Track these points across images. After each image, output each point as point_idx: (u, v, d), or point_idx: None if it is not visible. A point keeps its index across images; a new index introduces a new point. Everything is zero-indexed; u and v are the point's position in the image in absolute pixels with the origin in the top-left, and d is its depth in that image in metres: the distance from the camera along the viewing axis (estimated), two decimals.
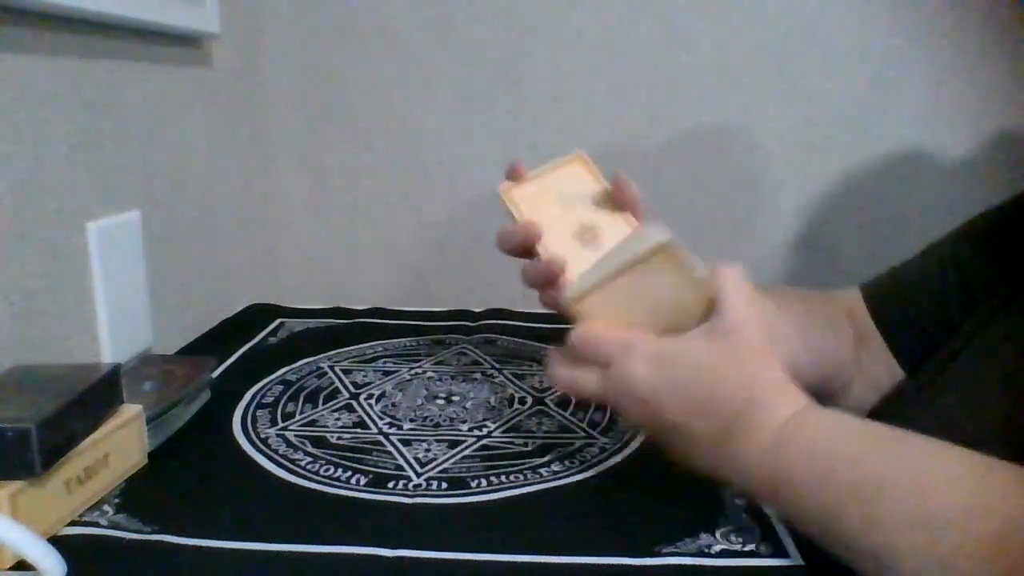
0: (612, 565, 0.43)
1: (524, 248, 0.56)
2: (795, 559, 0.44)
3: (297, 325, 0.88)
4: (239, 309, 0.93)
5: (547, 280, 0.54)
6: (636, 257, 0.48)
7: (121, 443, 0.51)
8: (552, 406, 0.65)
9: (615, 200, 0.58)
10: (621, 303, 0.49)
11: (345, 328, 0.86)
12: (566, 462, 0.55)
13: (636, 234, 0.52)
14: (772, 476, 0.44)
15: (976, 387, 0.55)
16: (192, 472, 0.54)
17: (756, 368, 0.45)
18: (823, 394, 0.56)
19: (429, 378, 0.72)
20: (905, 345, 0.66)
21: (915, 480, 0.40)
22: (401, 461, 0.55)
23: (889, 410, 0.62)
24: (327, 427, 0.61)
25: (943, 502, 0.38)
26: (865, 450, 0.42)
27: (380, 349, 0.80)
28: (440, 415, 0.63)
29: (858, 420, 0.45)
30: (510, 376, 0.72)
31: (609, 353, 0.49)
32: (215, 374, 0.70)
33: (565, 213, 0.58)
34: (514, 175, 0.59)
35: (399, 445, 0.58)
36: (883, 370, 0.66)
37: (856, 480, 0.41)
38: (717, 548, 0.45)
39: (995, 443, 0.41)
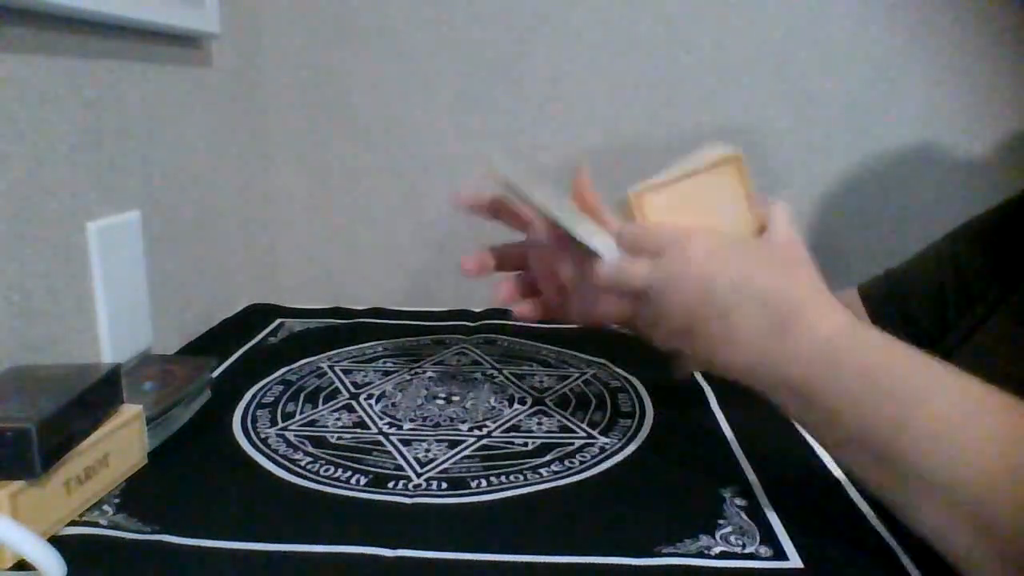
0: (612, 565, 0.43)
1: None
2: (795, 561, 0.44)
3: (297, 325, 0.88)
4: (239, 309, 0.93)
5: None
6: (706, 164, 0.48)
7: (121, 443, 0.51)
8: (552, 406, 0.65)
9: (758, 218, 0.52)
10: (679, 207, 0.50)
11: (345, 328, 0.86)
12: (566, 462, 0.55)
13: (704, 147, 0.52)
14: (813, 378, 0.44)
15: None
16: (192, 472, 0.54)
17: (814, 279, 0.47)
18: None
19: (429, 378, 0.72)
20: None
21: (939, 418, 0.40)
22: (401, 461, 0.55)
23: None
24: (327, 427, 0.61)
25: (970, 435, 0.39)
26: (899, 383, 0.42)
27: (380, 349, 0.80)
28: (440, 415, 0.63)
29: (900, 346, 0.44)
30: (510, 376, 0.72)
31: (665, 241, 0.49)
32: (215, 374, 0.70)
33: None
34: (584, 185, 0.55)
35: (399, 445, 0.58)
36: None
37: (882, 417, 0.41)
38: (717, 550, 0.45)
39: None
